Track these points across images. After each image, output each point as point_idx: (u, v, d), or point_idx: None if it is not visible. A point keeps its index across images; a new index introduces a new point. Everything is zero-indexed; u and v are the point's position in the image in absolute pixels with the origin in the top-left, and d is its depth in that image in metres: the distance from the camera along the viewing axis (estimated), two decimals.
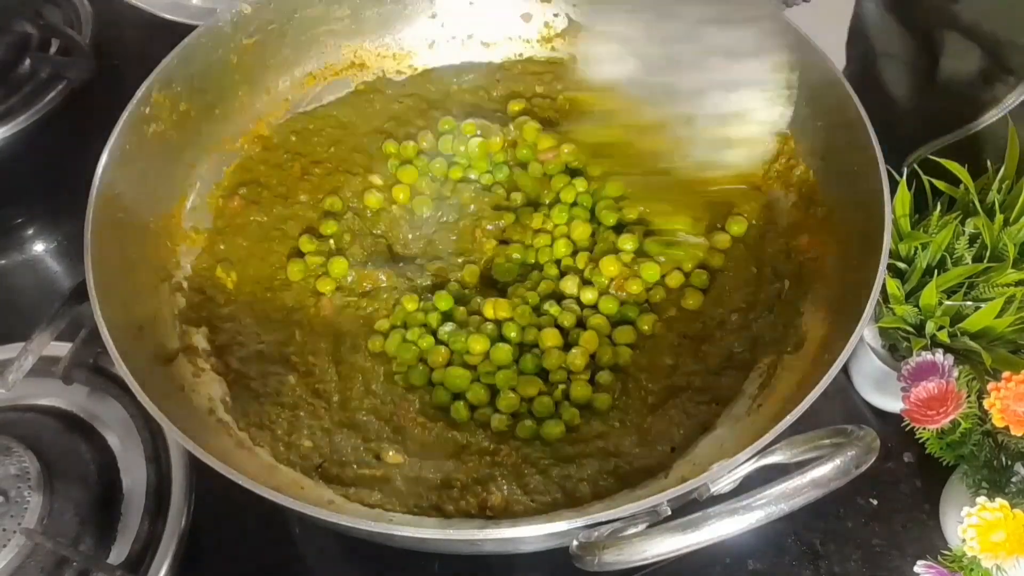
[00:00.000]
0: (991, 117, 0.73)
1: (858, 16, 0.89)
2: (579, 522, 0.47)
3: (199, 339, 0.66)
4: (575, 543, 0.47)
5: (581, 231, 0.71)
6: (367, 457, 0.61)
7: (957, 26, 0.73)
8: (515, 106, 0.79)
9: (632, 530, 0.47)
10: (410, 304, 0.68)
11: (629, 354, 0.65)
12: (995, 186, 0.65)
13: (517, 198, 0.74)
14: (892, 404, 0.68)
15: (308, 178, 0.75)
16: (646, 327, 0.66)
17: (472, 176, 0.76)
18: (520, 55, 0.83)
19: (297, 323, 0.68)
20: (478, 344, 0.65)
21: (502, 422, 0.62)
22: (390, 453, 0.60)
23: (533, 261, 0.72)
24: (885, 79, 0.83)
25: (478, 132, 0.76)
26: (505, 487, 0.58)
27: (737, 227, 0.70)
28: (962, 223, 0.64)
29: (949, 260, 0.64)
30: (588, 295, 0.68)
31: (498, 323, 0.67)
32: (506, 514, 0.57)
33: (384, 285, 0.70)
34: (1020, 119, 0.70)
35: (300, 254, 0.71)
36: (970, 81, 0.74)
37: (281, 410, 0.63)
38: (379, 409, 0.63)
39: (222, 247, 0.71)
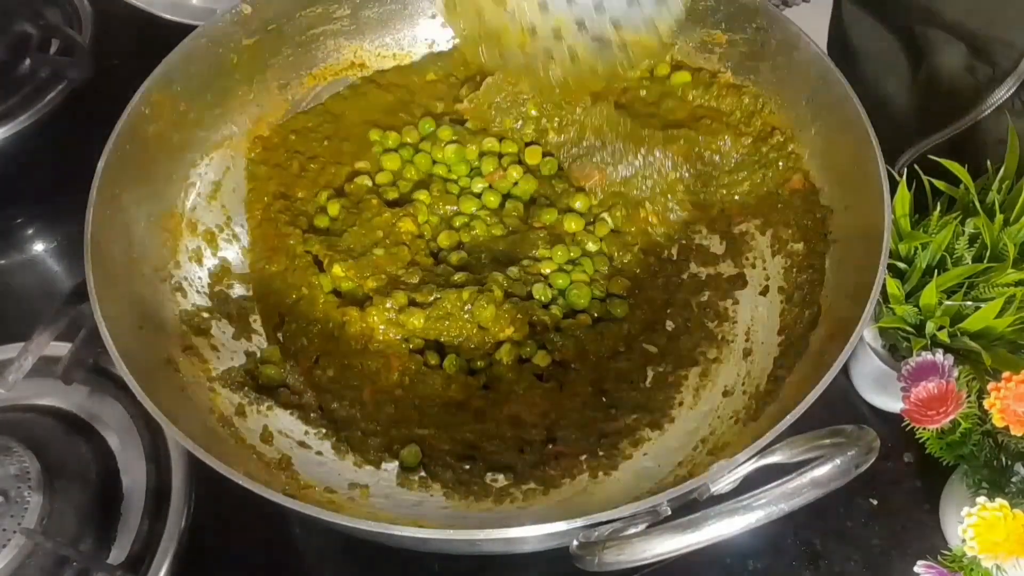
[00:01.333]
0: (978, 115, 0.72)
1: (837, 18, 0.88)
2: (579, 522, 0.47)
3: (198, 339, 0.66)
4: (575, 543, 0.47)
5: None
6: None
7: (940, 24, 0.72)
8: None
9: (632, 530, 0.47)
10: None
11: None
12: (995, 186, 0.64)
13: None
14: (892, 404, 0.68)
15: (305, 174, 0.75)
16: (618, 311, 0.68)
17: (453, 178, 0.76)
18: None
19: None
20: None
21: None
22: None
23: None
24: (869, 80, 0.82)
25: (454, 138, 0.76)
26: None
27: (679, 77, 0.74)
28: (962, 223, 0.64)
29: (949, 260, 0.64)
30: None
31: None
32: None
33: None
34: (1019, 119, 0.69)
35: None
36: (955, 79, 0.73)
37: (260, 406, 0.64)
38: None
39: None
